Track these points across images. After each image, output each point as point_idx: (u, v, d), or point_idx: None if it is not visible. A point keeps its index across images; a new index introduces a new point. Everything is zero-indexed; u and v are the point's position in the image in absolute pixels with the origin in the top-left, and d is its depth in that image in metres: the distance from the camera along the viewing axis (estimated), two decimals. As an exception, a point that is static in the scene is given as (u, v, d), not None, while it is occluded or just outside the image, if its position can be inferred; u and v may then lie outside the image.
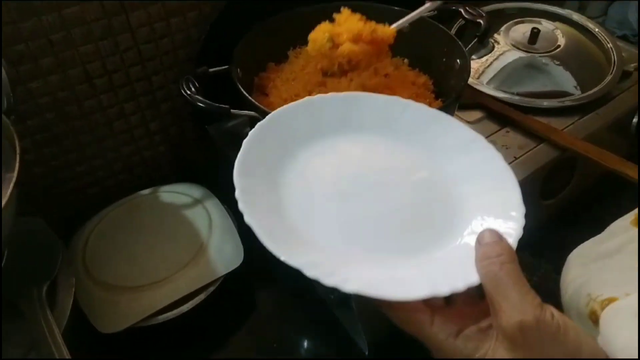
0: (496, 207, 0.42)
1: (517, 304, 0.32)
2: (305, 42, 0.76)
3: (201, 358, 0.64)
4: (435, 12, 0.72)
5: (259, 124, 0.47)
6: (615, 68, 0.86)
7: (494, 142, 0.75)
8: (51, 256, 0.57)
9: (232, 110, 0.58)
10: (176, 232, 0.68)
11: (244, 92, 0.60)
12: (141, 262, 0.65)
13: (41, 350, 0.47)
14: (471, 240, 0.39)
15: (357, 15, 0.62)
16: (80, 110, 0.68)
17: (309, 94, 0.68)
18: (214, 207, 0.71)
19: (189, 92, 0.59)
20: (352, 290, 0.35)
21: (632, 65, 0.88)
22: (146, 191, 0.75)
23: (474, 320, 0.36)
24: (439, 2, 0.60)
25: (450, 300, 0.38)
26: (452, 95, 0.61)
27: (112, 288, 0.62)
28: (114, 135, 0.74)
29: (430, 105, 0.65)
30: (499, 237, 0.37)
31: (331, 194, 0.44)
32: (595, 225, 0.50)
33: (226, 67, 0.65)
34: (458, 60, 0.65)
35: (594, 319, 0.39)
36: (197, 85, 0.61)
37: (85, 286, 0.62)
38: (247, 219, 0.37)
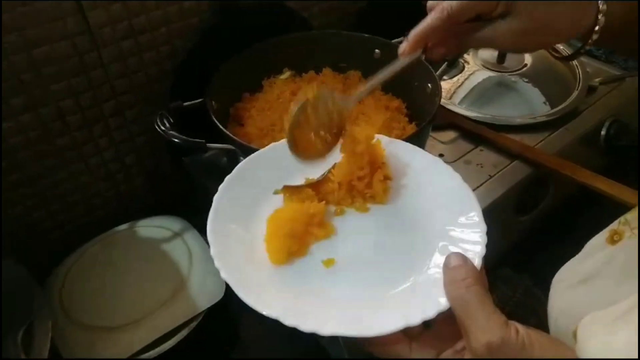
0: (459, 229, 0.44)
1: (483, 326, 0.34)
2: (279, 71, 0.77)
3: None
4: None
5: (227, 177, 0.48)
6: (581, 83, 0.89)
7: (468, 162, 0.77)
8: (27, 300, 0.56)
9: (207, 144, 0.58)
10: (155, 268, 0.67)
11: (220, 126, 0.60)
12: (120, 301, 0.63)
13: (18, 400, 0.46)
14: (439, 265, 0.40)
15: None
16: (54, 148, 0.68)
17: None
18: (193, 240, 0.71)
19: (163, 128, 0.59)
20: (330, 333, 0.36)
21: (597, 80, 0.91)
22: (123, 226, 0.74)
23: (452, 340, 0.37)
24: (416, 55, 0.52)
25: (429, 323, 0.39)
26: (425, 118, 0.62)
27: (91, 329, 0.61)
28: (89, 171, 0.73)
29: (404, 128, 0.67)
30: (463, 260, 0.38)
31: None
32: (572, 238, 0.51)
33: (201, 100, 0.65)
34: (429, 84, 0.66)
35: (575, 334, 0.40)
36: (171, 120, 0.61)
37: (63, 328, 0.60)
38: (224, 275, 0.39)
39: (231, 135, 0.60)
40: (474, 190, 0.69)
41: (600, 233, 0.47)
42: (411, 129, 0.67)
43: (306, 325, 0.36)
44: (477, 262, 0.39)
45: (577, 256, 0.49)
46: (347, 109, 0.50)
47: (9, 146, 0.64)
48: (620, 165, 0.84)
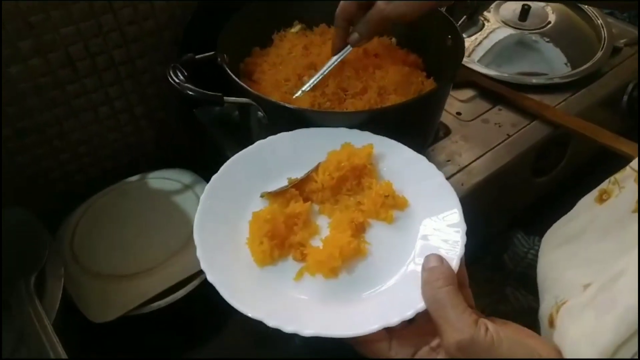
0: (439, 228, 0.44)
1: (454, 324, 0.36)
2: (289, 25, 0.75)
3: (196, 345, 0.63)
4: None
5: (214, 177, 0.49)
6: (605, 44, 0.86)
7: (486, 121, 0.75)
8: (38, 247, 0.56)
9: (225, 98, 0.57)
10: (166, 219, 0.66)
11: (236, 79, 0.59)
12: (131, 250, 0.63)
13: (31, 342, 0.46)
14: (418, 265, 0.41)
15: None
16: (63, 95, 0.66)
17: (299, 78, 0.67)
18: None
19: (177, 81, 0.57)
20: (311, 334, 0.38)
21: (622, 41, 0.88)
22: (134, 178, 0.73)
23: (431, 336, 0.39)
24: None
25: (412, 320, 0.41)
26: (448, 74, 0.60)
27: (103, 277, 0.60)
28: (99, 120, 0.72)
29: (422, 83, 0.65)
30: (440, 261, 0.40)
31: None
32: None
33: (212, 53, 0.63)
34: (449, 37, 0.64)
35: (550, 321, 0.41)
36: (184, 72, 0.59)
37: (74, 276, 0.60)
38: (210, 277, 0.41)
39: (248, 88, 0.58)
40: (491, 149, 0.69)
41: (590, 193, 0.47)
42: (430, 84, 0.64)
43: (288, 327, 0.38)
44: (456, 262, 0.41)
45: (565, 216, 0.49)
46: None
47: (18, 92, 0.62)
48: (640, 129, 0.82)
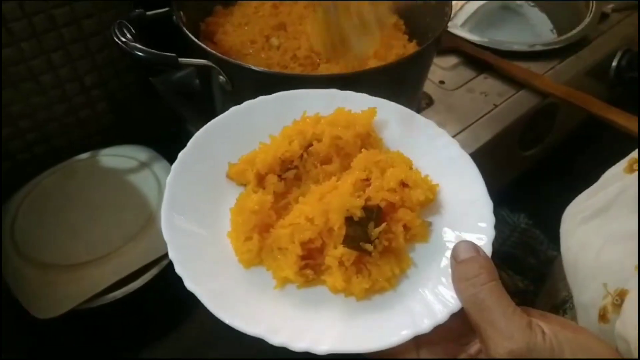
0: (462, 208, 0.37)
1: (504, 330, 0.29)
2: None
3: (155, 341, 0.58)
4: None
5: (181, 153, 0.39)
6: (593, 9, 0.82)
7: (471, 90, 0.70)
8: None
9: (179, 60, 0.50)
10: (121, 201, 0.60)
11: (192, 37, 0.52)
12: (82, 236, 0.57)
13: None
14: (444, 255, 0.34)
15: None
16: (-3, 62, 0.58)
17: (267, 40, 0.61)
18: (163, 171, 0.63)
19: (123, 40, 0.50)
20: (326, 350, 0.31)
21: (610, 6, 0.84)
22: (84, 155, 0.66)
23: (464, 336, 0.33)
24: None
25: None
26: (428, 36, 0.54)
27: (49, 267, 0.54)
28: (42, 91, 0.64)
29: (404, 47, 0.59)
30: (475, 251, 0.32)
31: None
32: (572, 178, 0.47)
33: (166, 9, 0.57)
34: (434, -5, 0.58)
35: (602, 315, 0.37)
36: (133, 31, 0.52)
37: (16, 266, 0.54)
38: (189, 285, 0.32)
39: (206, 47, 0.51)
40: (477, 120, 0.64)
41: (618, 163, 0.43)
42: (412, 48, 0.59)
43: (298, 344, 0.30)
44: (488, 249, 0.33)
45: (590, 188, 0.45)
46: None
47: (-60, 57, 0.54)
48: (628, 99, 0.79)
